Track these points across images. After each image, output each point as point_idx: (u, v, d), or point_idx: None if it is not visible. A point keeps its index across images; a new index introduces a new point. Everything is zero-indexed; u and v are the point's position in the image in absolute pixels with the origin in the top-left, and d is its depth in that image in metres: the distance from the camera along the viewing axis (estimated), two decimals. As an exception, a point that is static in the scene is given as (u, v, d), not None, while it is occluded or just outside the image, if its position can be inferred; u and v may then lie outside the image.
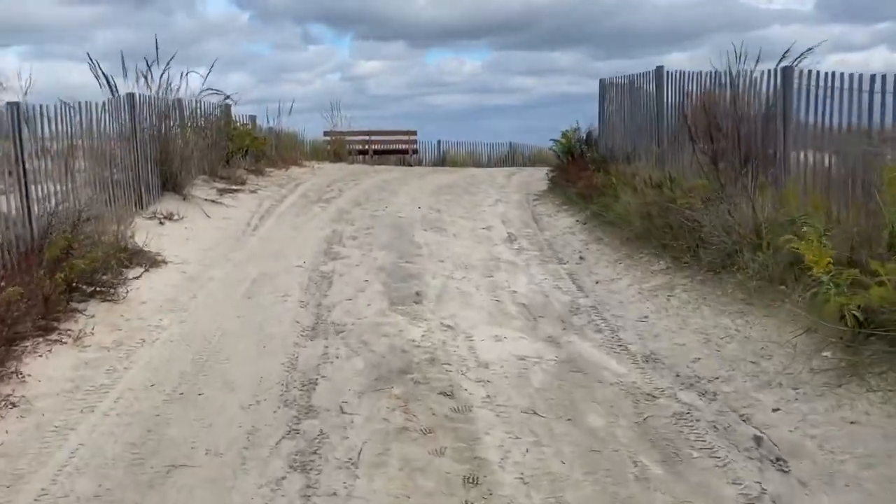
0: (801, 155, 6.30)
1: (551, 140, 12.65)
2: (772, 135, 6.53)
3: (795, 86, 6.15)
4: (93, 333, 4.75)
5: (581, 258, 7.02)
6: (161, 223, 8.08)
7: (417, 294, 5.82)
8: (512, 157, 26.17)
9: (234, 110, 14.04)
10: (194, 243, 7.56)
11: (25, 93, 7.97)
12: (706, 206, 6.20)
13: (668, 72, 8.79)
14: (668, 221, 6.53)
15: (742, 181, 6.57)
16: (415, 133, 21.95)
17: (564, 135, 11.63)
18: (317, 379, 4.18)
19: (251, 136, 13.28)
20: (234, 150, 12.81)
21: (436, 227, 8.63)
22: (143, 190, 8.58)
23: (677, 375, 4.24)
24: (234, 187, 10.99)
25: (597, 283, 6.21)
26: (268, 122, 18.51)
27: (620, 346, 4.76)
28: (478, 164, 24.80)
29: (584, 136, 11.59)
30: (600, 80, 11.82)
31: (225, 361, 4.50)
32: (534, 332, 5.02)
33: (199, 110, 11.92)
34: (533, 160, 26.34)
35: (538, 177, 13.25)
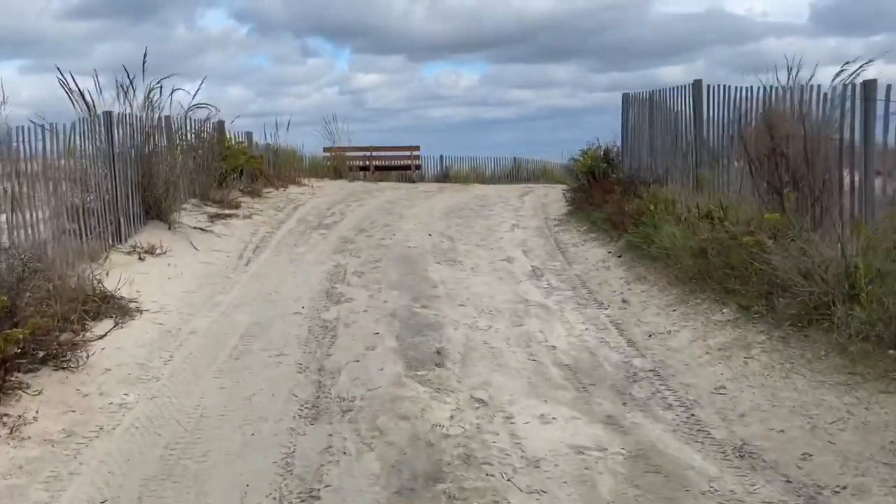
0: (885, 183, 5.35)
1: (571, 159, 11.71)
2: (847, 158, 5.58)
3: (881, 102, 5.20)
4: (36, 419, 3.74)
5: (624, 301, 6.03)
6: (141, 258, 7.09)
7: (439, 353, 4.82)
8: (516, 173, 25.25)
9: (228, 127, 13.10)
10: (177, 283, 6.57)
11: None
12: (776, 244, 5.22)
13: (709, 86, 7.85)
14: (728, 260, 5.55)
15: (814, 213, 5.61)
16: (418, 148, 21.04)
17: (585, 153, 10.67)
18: (319, 490, 3.18)
19: (246, 154, 12.32)
20: (228, 171, 11.84)
21: (450, 259, 7.65)
22: (121, 219, 7.60)
23: (788, 481, 3.24)
24: (227, 212, 10.02)
25: (650, 335, 5.22)
26: (265, 137, 17.65)
27: (701, 430, 3.77)
28: (482, 180, 23.88)
29: (605, 153, 10.64)
30: (623, 95, 10.90)
31: (202, 459, 3.50)
32: (588, 409, 4.03)
33: (189, 128, 10.97)
34: (537, 175, 25.46)
35: (553, 197, 12.29)
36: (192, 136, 10.94)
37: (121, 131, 7.93)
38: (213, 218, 9.48)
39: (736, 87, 7.38)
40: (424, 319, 5.55)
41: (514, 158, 25.77)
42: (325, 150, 20.70)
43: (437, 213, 10.87)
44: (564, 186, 13.74)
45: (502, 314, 5.77)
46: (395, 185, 17.26)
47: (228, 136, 12.82)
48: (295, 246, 8.49)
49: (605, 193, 9.47)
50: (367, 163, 20.59)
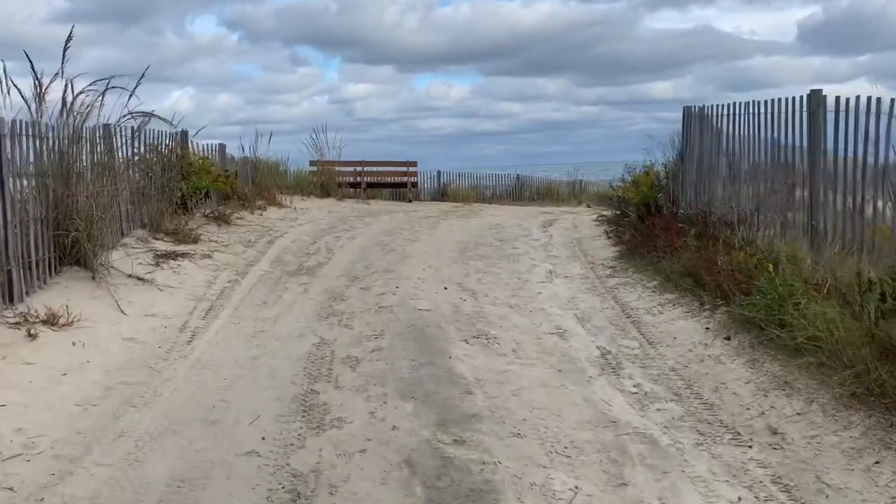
0: None
1: (616, 183, 9.51)
2: None
3: None
4: None
5: (773, 432, 3.76)
6: (31, 335, 4.74)
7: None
8: (519, 192, 23.06)
9: (193, 139, 10.77)
10: (73, 386, 4.22)
11: None
12: None
13: (838, 99, 5.62)
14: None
15: None
16: (415, 164, 18.76)
17: (638, 179, 8.44)
18: None
19: (212, 173, 9.97)
20: (190, 193, 9.51)
21: (480, 332, 5.37)
22: (12, 272, 5.26)
23: None
24: (180, 249, 7.68)
25: (866, 528, 2.96)
26: (242, 150, 15.32)
27: None
28: (482, 199, 21.67)
29: (661, 179, 8.41)
30: (685, 109, 8.70)
31: None
32: None
33: (144, 140, 8.66)
34: (542, 195, 23.27)
35: (586, 229, 10.06)
36: (141, 150, 8.61)
37: (20, 146, 5.60)
38: (161, 258, 7.14)
39: (876, 99, 5.19)
40: (463, 476, 3.25)
41: (518, 176, 23.54)
42: (312, 163, 18.40)
43: (447, 251, 8.60)
44: (592, 215, 11.55)
45: (586, 459, 3.49)
46: (391, 208, 14.99)
47: (193, 151, 10.48)
48: (263, 305, 6.17)
49: (668, 233, 7.24)
50: (359, 178, 18.29)
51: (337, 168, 17.93)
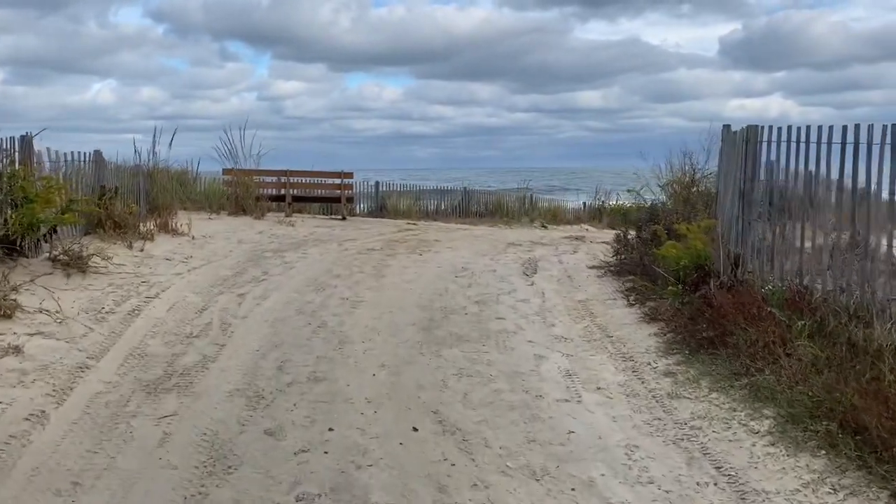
0: None
1: (642, 222, 6.90)
2: None
3: None
4: None
5: None
6: None
7: None
8: (466, 206, 20.33)
9: (40, 146, 7.54)
10: None
11: None
12: None
13: None
14: None
15: None
16: (351, 175, 15.71)
17: (688, 229, 5.78)
18: None
19: (53, 202, 6.74)
20: (21, 229, 6.32)
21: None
22: None
23: None
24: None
25: None
26: (139, 156, 12.03)
27: None
28: (425, 214, 18.86)
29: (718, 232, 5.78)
30: (725, 129, 6.16)
31: None
32: None
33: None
34: (491, 211, 20.61)
35: (588, 284, 7.38)
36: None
37: None
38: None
39: None
40: None
41: (465, 189, 20.77)
42: (225, 171, 15.15)
43: (406, 327, 5.74)
44: (571, 247, 8.94)
45: None
46: (321, 232, 11.98)
47: (37, 165, 7.23)
48: (73, 489, 3.17)
49: (753, 321, 4.63)
50: (282, 190, 15.15)
51: (256, 178, 14.76)
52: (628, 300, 6.28)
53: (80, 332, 5.08)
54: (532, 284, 7.38)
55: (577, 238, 12.10)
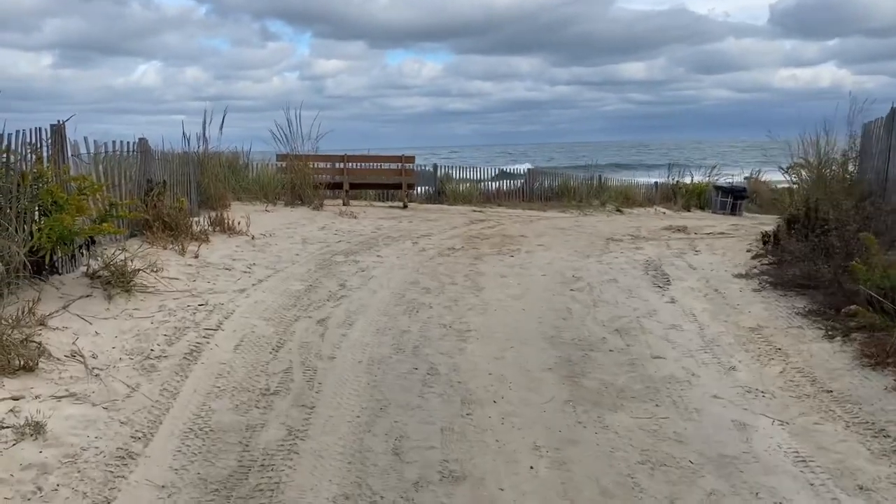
0: None
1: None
2: None
3: None
4: None
5: None
6: None
7: None
8: (530, 190, 18.70)
9: (73, 136, 6.28)
10: None
11: None
12: None
13: None
14: None
15: None
16: (412, 160, 14.28)
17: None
18: None
19: (84, 208, 5.41)
20: (51, 244, 5.05)
21: None
22: None
23: None
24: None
25: None
26: (187, 141, 10.80)
27: None
28: (486, 200, 17.34)
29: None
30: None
31: None
32: None
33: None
34: (558, 194, 18.96)
35: (751, 303, 5.84)
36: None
37: None
38: None
39: None
40: None
41: (529, 171, 19.18)
42: (280, 157, 13.85)
43: (539, 373, 4.31)
44: (723, 261, 7.40)
45: None
46: (386, 224, 10.60)
47: (71, 157, 5.95)
48: None
49: None
50: (338, 177, 13.81)
51: (312, 164, 13.45)
52: (826, 331, 4.75)
53: (122, 392, 3.78)
54: (672, 302, 5.87)
55: (678, 229, 10.49)
